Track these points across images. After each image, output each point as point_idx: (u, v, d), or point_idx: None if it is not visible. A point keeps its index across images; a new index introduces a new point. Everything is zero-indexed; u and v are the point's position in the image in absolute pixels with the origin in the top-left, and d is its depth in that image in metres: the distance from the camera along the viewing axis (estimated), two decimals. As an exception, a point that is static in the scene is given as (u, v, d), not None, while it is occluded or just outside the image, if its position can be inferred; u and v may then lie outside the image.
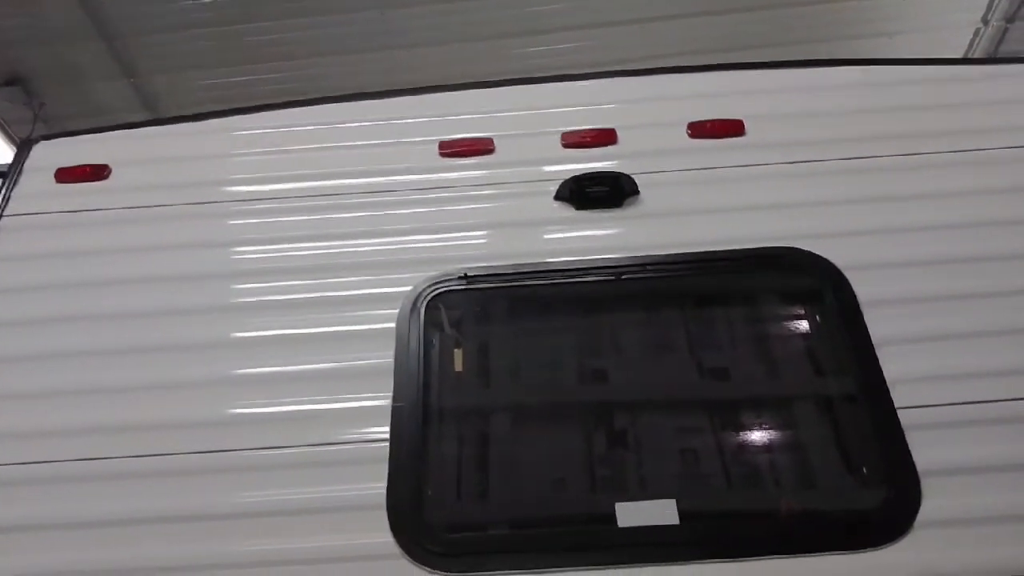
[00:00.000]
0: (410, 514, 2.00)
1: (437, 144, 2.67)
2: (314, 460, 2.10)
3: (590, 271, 2.39)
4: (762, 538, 1.94)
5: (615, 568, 1.92)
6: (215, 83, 6.62)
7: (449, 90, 2.84)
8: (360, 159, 2.68)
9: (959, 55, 6.73)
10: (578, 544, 1.97)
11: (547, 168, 2.60)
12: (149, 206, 2.62)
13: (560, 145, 2.65)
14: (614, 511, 1.98)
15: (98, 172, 2.70)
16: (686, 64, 2.98)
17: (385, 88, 2.92)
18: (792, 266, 2.37)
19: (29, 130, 6.19)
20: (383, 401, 2.17)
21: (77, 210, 2.63)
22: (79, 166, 2.71)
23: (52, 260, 2.53)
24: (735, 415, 2.23)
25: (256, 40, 6.32)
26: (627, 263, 2.39)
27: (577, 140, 2.65)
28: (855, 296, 2.26)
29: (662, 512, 1.97)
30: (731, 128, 2.62)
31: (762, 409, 2.24)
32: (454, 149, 2.66)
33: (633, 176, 2.54)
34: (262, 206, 2.60)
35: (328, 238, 2.51)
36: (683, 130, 2.64)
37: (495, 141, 2.67)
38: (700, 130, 2.63)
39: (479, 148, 2.66)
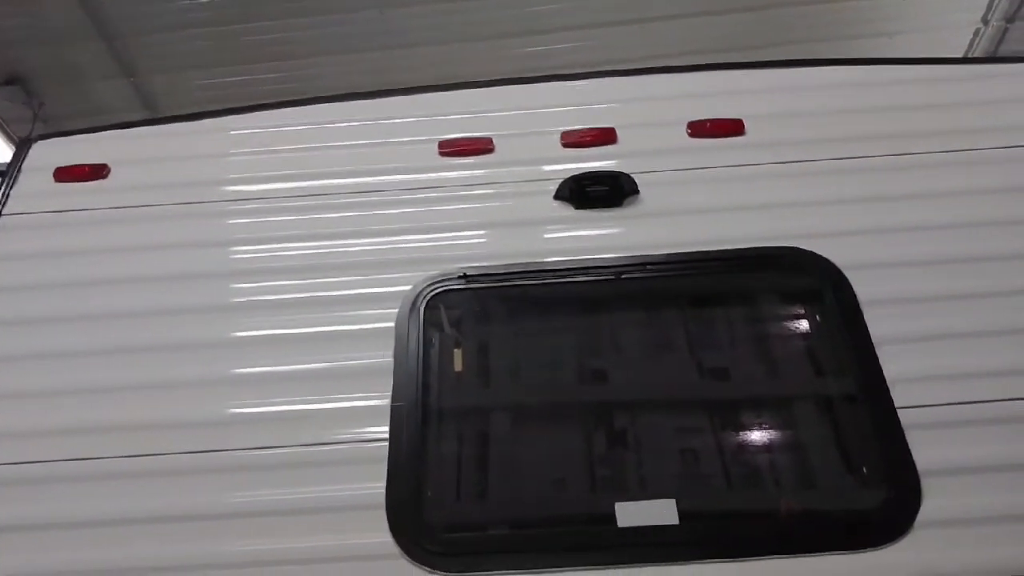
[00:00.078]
0: (409, 514, 2.00)
1: (436, 143, 2.67)
2: (313, 460, 2.10)
3: (590, 271, 2.39)
4: (762, 538, 1.94)
5: (615, 568, 1.91)
6: (215, 83, 6.62)
7: (448, 89, 2.83)
8: (359, 158, 2.68)
9: (959, 55, 6.73)
10: (578, 544, 1.96)
11: (547, 167, 2.60)
12: (148, 205, 2.62)
13: (560, 144, 2.65)
14: (614, 511, 1.97)
15: (97, 171, 2.70)
16: (686, 64, 2.98)
17: (384, 87, 2.92)
18: (792, 266, 2.36)
19: (29, 129, 6.18)
20: (382, 401, 2.17)
21: (75, 209, 2.63)
22: (78, 165, 2.71)
23: (50, 259, 2.52)
24: (735, 415, 2.22)
25: (256, 40, 6.32)
26: (627, 263, 2.38)
27: (577, 139, 2.65)
28: (855, 296, 2.26)
29: (662, 512, 1.97)
30: (731, 128, 2.62)
31: (762, 409, 2.24)
32: (453, 148, 2.66)
33: (633, 175, 2.53)
34: (262, 205, 2.59)
35: (327, 237, 2.50)
36: (683, 129, 2.64)
37: (495, 140, 2.66)
38: (700, 129, 2.63)
39: (479, 147, 2.65)
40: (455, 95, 2.82)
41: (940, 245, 2.34)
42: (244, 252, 2.51)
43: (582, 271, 2.39)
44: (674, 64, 3.03)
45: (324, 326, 2.32)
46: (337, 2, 6.04)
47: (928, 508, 1.93)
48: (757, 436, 2.20)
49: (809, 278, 2.34)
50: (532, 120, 2.71)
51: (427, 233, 2.49)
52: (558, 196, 2.53)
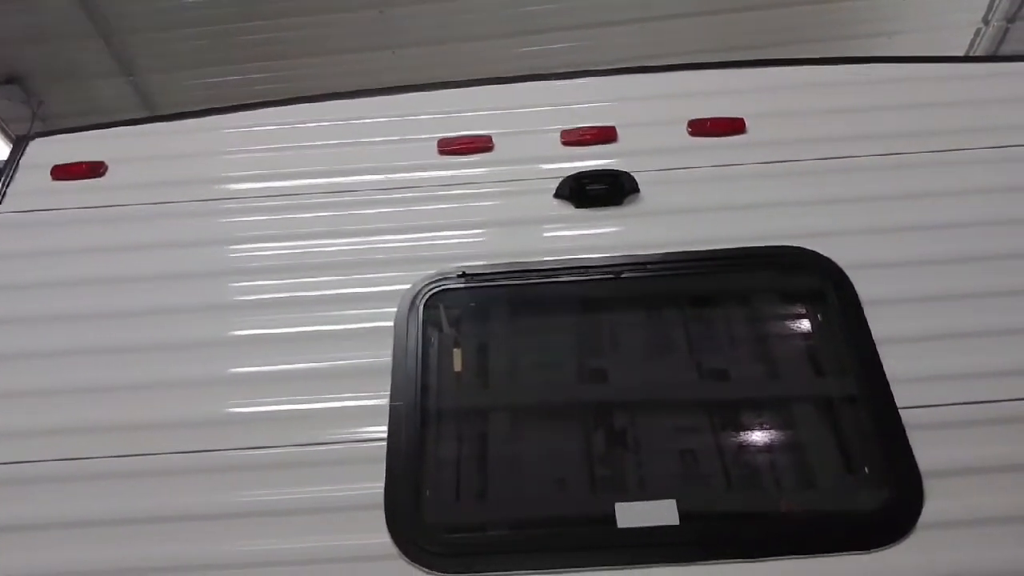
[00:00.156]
0: (408, 514, 1.99)
1: (436, 142, 2.66)
2: (311, 460, 2.09)
3: (590, 269, 2.37)
4: (763, 539, 1.93)
5: (614, 569, 1.90)
6: (214, 81, 6.62)
7: (448, 88, 2.83)
8: (358, 157, 2.67)
9: (960, 55, 6.72)
10: (577, 545, 1.95)
11: (547, 166, 2.59)
12: (146, 203, 2.61)
13: (560, 143, 2.64)
14: (614, 511, 1.96)
15: (94, 169, 2.69)
16: (686, 63, 2.97)
17: (384, 87, 2.91)
18: (793, 265, 2.36)
19: (27, 128, 6.18)
20: (381, 400, 2.16)
21: (73, 207, 2.62)
22: (75, 163, 2.70)
23: (48, 257, 2.51)
24: (736, 415, 2.21)
25: (255, 39, 6.33)
26: (627, 262, 2.37)
27: (577, 138, 2.64)
28: (857, 295, 2.24)
29: (662, 512, 1.96)
30: (732, 126, 2.61)
31: (763, 409, 2.23)
32: (453, 147, 2.65)
33: (633, 174, 2.52)
34: (262, 203, 2.58)
35: (327, 236, 2.49)
36: (683, 128, 2.63)
37: (494, 139, 2.65)
38: (700, 128, 2.62)
39: (478, 146, 2.64)
40: (455, 93, 2.81)
41: (943, 244, 2.33)
42: (242, 251, 2.49)
43: (582, 270, 2.37)
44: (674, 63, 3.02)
45: (322, 325, 2.31)
46: (337, 2, 6.04)
47: (930, 509, 1.92)
48: (758, 436, 2.19)
49: (810, 277, 2.33)
50: (532, 118, 2.70)
51: (426, 232, 2.48)
52: (558, 195, 2.52)
